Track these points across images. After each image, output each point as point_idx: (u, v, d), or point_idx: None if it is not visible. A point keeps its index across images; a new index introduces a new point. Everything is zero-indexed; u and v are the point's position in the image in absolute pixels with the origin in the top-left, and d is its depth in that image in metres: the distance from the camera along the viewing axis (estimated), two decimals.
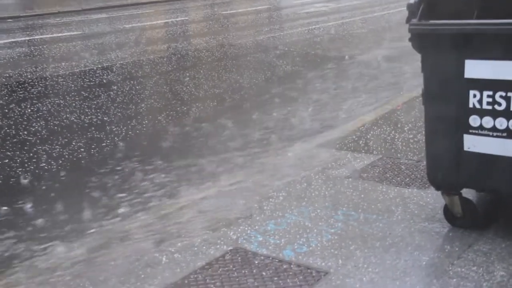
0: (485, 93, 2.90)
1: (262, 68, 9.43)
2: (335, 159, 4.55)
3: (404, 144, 4.79)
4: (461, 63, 2.94)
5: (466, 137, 3.00)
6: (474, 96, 2.93)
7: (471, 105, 2.95)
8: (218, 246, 3.26)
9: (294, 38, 12.20)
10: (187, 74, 9.06)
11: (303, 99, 7.21)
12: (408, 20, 3.06)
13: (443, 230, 3.26)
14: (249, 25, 14.96)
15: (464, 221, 3.24)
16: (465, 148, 3.02)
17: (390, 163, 4.39)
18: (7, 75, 9.20)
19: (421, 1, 3.03)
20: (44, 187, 4.76)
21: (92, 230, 3.86)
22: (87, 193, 4.55)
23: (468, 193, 3.27)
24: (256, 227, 3.46)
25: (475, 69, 2.91)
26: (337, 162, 4.48)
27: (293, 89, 7.74)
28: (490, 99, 2.89)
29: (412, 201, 3.66)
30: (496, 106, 2.88)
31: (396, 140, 4.91)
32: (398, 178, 4.07)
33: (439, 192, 3.28)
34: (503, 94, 2.85)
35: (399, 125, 5.31)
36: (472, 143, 2.99)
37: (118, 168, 5.08)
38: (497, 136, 2.91)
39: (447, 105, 3.04)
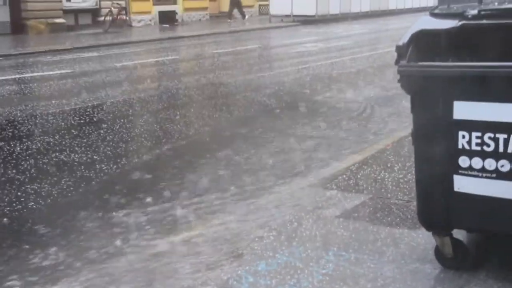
0: (474, 134, 2.94)
1: (252, 107, 9.48)
2: (326, 198, 4.55)
3: (394, 184, 4.81)
4: (450, 104, 2.98)
5: (456, 178, 3.02)
6: (463, 137, 2.96)
7: (460, 146, 2.98)
8: (208, 287, 3.22)
9: (284, 78, 12.30)
10: (178, 113, 9.09)
11: (292, 139, 7.24)
12: (397, 62, 3.10)
13: (434, 271, 3.24)
14: (239, 64, 15.09)
15: (455, 262, 3.24)
16: (455, 189, 3.03)
17: (381, 203, 4.39)
18: None
19: (410, 43, 3.08)
20: (31, 227, 4.71)
21: (77, 271, 3.80)
22: (75, 232, 4.51)
23: (459, 233, 3.27)
24: (247, 267, 3.44)
25: (463, 110, 2.95)
26: (327, 201, 4.48)
27: (282, 129, 7.78)
28: (479, 140, 2.92)
29: (403, 242, 3.65)
30: (485, 147, 2.91)
31: (386, 179, 4.93)
32: (389, 218, 4.07)
33: (430, 233, 3.28)
34: (492, 135, 2.88)
35: (389, 165, 5.33)
36: (462, 184, 3.01)
37: (107, 205, 5.04)
38: (486, 177, 2.93)
39: (436, 146, 3.06)
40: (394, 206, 4.30)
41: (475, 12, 3.01)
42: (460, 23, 3.04)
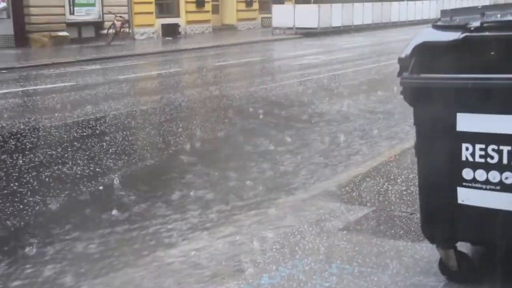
0: (478, 146, 2.92)
1: (254, 119, 9.48)
2: (329, 211, 4.53)
3: (397, 196, 4.79)
4: (453, 116, 2.97)
5: (460, 190, 3.00)
6: (467, 149, 2.95)
7: (464, 158, 2.96)
8: None
9: (287, 90, 12.32)
10: (180, 125, 9.09)
11: (296, 151, 7.23)
12: (399, 74, 3.10)
13: (438, 284, 3.22)
14: (241, 76, 15.11)
15: (460, 275, 3.21)
16: (459, 201, 3.02)
17: (384, 215, 4.37)
18: (0, 126, 9.19)
19: (413, 55, 3.07)
20: (31, 239, 4.69)
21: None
22: (79, 246, 4.49)
23: (463, 246, 3.25)
24: (250, 280, 3.42)
25: (467, 122, 2.94)
26: (330, 214, 4.46)
27: (286, 141, 7.77)
28: (483, 152, 2.91)
29: (407, 254, 3.63)
30: (488, 159, 2.89)
31: (389, 192, 4.91)
32: (392, 231, 4.05)
33: (434, 245, 3.25)
34: (495, 147, 2.87)
35: (392, 177, 5.31)
36: (466, 196, 2.99)
37: (108, 219, 5.03)
38: (490, 189, 2.92)
39: (440, 158, 3.05)
40: (398, 219, 4.28)
41: (477, 24, 3.01)
42: (463, 35, 3.03)
